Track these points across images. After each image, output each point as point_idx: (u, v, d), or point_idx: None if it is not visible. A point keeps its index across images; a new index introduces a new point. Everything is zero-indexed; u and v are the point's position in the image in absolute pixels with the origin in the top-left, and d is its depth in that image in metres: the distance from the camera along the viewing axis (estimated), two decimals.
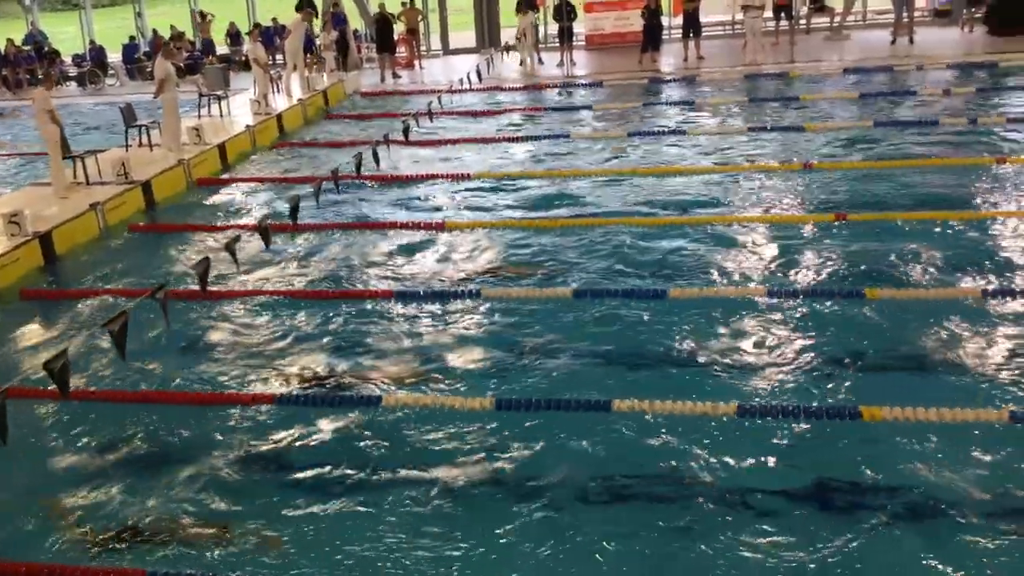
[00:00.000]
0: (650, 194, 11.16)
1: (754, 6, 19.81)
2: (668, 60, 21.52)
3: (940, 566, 4.54)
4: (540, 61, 22.57)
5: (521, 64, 22.13)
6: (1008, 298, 7.39)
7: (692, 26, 20.85)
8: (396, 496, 5.40)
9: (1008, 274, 7.96)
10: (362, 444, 5.98)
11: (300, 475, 5.71)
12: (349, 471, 5.69)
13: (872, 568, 4.57)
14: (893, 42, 20.57)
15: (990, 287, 7.65)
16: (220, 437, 6.17)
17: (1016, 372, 6.30)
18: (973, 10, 21.57)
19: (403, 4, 24.57)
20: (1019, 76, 16.69)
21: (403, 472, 5.64)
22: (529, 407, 6.15)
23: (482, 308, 7.98)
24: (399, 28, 24.13)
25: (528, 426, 6.02)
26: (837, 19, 22.91)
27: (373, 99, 20.27)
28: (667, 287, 8.00)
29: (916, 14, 21.64)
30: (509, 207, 11.18)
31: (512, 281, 8.59)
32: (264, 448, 6.04)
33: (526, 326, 7.57)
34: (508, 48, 23.75)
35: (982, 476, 5.23)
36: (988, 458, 5.38)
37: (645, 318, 7.53)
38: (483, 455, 5.77)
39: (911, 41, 20.39)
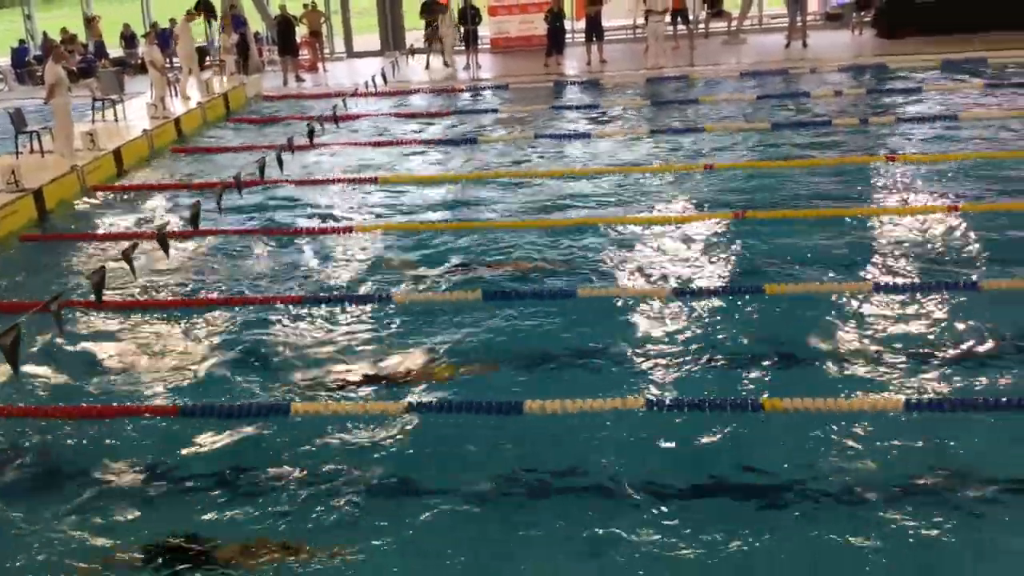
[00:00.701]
0: (557, 195, 11.27)
1: (657, 11, 20.21)
2: (572, 63, 21.76)
3: (842, 551, 4.69)
4: (449, 64, 22.45)
5: (446, 66, 21.99)
6: (898, 291, 7.69)
7: (595, 30, 21.15)
8: (307, 503, 5.31)
9: (898, 268, 8.31)
10: (271, 454, 5.85)
11: (205, 488, 5.55)
12: (258, 482, 5.57)
13: (780, 556, 4.70)
14: (787, 45, 21.25)
15: (881, 280, 7.95)
16: (117, 451, 5.96)
17: (908, 361, 6.57)
18: (863, 14, 22.44)
19: (305, 6, 24.24)
20: (906, 77, 17.43)
21: (312, 479, 5.55)
22: (442, 409, 6.13)
23: (392, 312, 7.92)
24: (301, 30, 23.79)
25: (442, 428, 5.99)
26: (734, 24, 23.53)
27: (276, 102, 19.93)
28: (576, 287, 8.08)
29: (809, 18, 22.41)
30: (417, 210, 11.14)
31: (422, 284, 8.55)
32: (166, 461, 5.86)
33: (437, 329, 7.54)
34: (413, 51, 23.67)
35: (880, 462, 5.43)
36: (885, 445, 5.59)
37: (555, 318, 7.59)
38: (396, 459, 5.73)
39: (804, 44, 21.09)
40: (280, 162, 11.83)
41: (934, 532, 4.79)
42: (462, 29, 22.45)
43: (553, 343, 7.18)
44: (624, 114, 16.12)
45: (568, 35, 24.06)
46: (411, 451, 5.83)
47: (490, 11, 24.72)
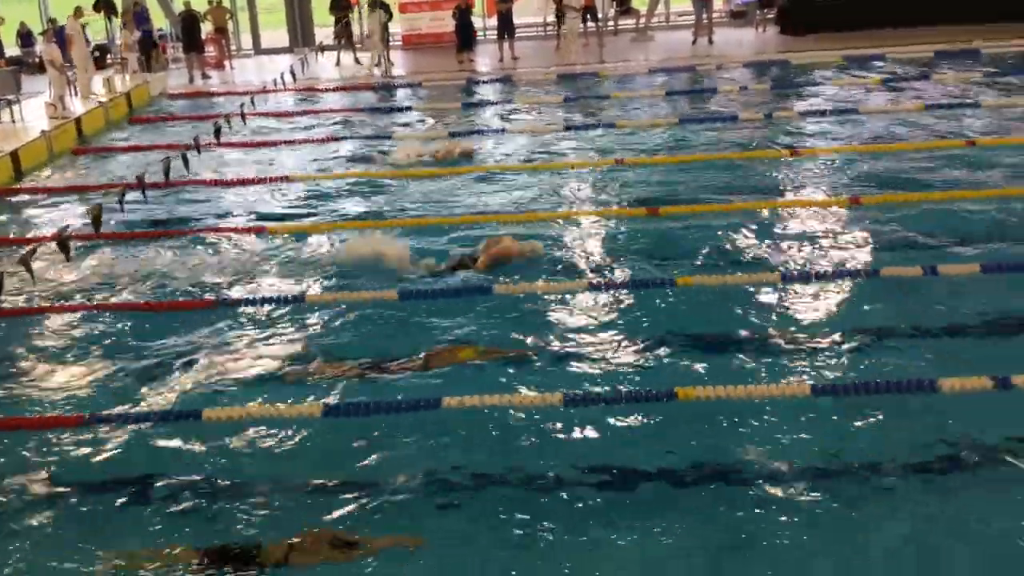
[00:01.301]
0: (472, 192, 11.27)
1: (573, 7, 20.41)
2: (484, 60, 21.79)
3: (756, 535, 4.81)
4: (381, 61, 21.92)
5: (378, 65, 21.67)
6: (803, 281, 7.92)
7: (506, 27, 21.22)
8: (223, 509, 5.20)
9: (803, 258, 8.56)
10: (183, 461, 5.71)
11: (117, 496, 5.39)
12: (172, 489, 5.42)
13: (695, 542, 4.80)
14: (694, 42, 21.68)
15: (787, 270, 8.18)
16: (18, 464, 5.73)
17: (814, 348, 6.77)
18: (766, 11, 23.02)
19: (210, 2, 23.67)
20: (808, 73, 17.94)
21: (227, 483, 5.44)
22: (359, 411, 6.06)
23: (306, 313, 7.80)
24: (207, 27, 23.23)
25: (360, 429, 5.93)
26: (642, 21, 23.88)
27: (181, 101, 19.42)
28: (492, 283, 8.09)
29: (714, 16, 22.89)
30: (331, 209, 10.99)
31: (337, 284, 8.45)
32: (74, 473, 5.66)
33: (351, 329, 7.46)
34: (323, 48, 23.35)
35: (788, 446, 5.59)
36: (793, 429, 5.76)
37: (470, 315, 7.58)
38: (312, 462, 5.65)
39: (711, 41, 21.55)
40: (186, 162, 11.53)
41: (841, 511, 4.96)
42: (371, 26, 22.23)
43: (470, 340, 7.16)
44: (537, 110, 16.20)
45: (480, 32, 24.11)
46: (326, 452, 5.76)
47: (401, 8, 24.56)
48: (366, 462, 5.63)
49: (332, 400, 6.26)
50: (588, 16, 22.38)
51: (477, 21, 24.58)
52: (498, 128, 14.65)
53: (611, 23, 24.27)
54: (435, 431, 5.86)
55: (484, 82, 19.40)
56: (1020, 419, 5.71)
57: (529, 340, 7.09)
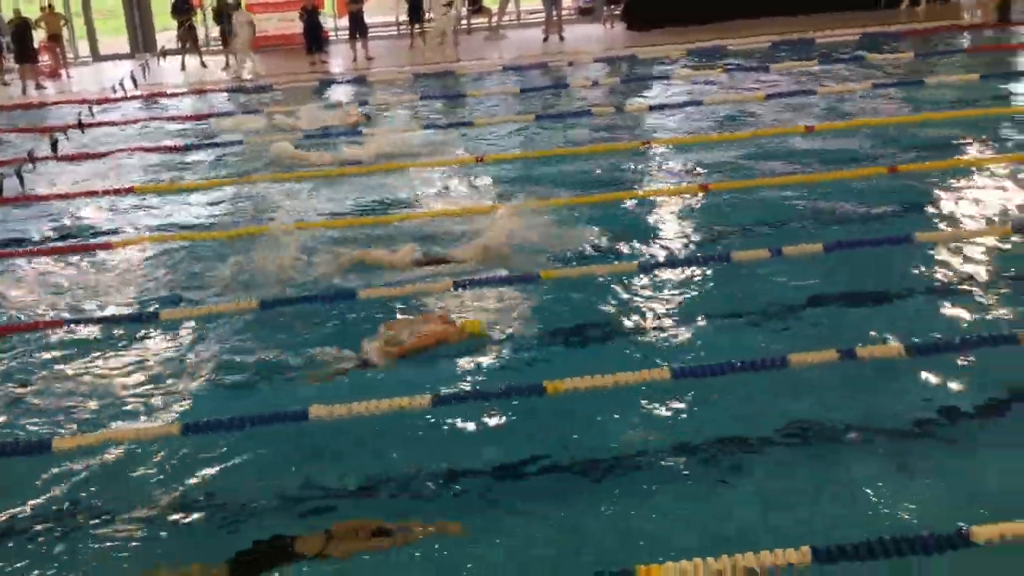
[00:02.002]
0: (329, 196, 11.09)
1: (443, 4, 20.44)
2: (337, 61, 21.49)
3: (626, 521, 4.94)
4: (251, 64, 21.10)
5: (203, 66, 20.84)
6: (660, 268, 8.16)
7: (358, 27, 21.00)
8: (75, 542, 4.94)
9: (660, 247, 8.82)
10: (29, 496, 5.39)
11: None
12: (17, 526, 5.11)
13: (571, 531, 4.88)
14: (545, 39, 22.01)
15: (645, 260, 8.41)
16: None
17: (671, 334, 6.99)
18: (612, 7, 23.57)
19: (42, 8, 22.38)
20: (655, 67, 18.49)
21: (81, 516, 5.17)
22: (220, 427, 5.86)
23: (161, 330, 7.50)
24: (39, 34, 21.96)
25: (221, 445, 5.75)
26: (494, 20, 24.06)
27: (13, 113, 18.30)
28: (356, 288, 7.98)
29: (564, 13, 23.29)
30: (179, 220, 10.60)
31: (191, 297, 8.15)
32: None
33: (209, 343, 7.22)
34: (165, 52, 22.49)
35: (654, 430, 5.76)
36: (657, 413, 5.94)
37: (334, 322, 7.46)
38: (173, 482, 5.44)
39: (561, 38, 21.93)
40: (20, 177, 10.88)
41: (705, 492, 5.15)
42: (219, 28, 21.59)
43: (334, 346, 7.04)
44: (394, 110, 16.08)
45: (332, 32, 23.76)
46: (185, 474, 5.57)
47: (247, 9, 23.88)
48: (227, 477, 5.46)
49: (192, 418, 6.03)
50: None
51: (328, 21, 24.22)
52: (354, 130, 14.45)
53: (464, 22, 24.34)
54: (301, 440, 5.76)
55: (338, 83, 19.12)
56: (865, 388, 6.06)
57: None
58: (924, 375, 6.23)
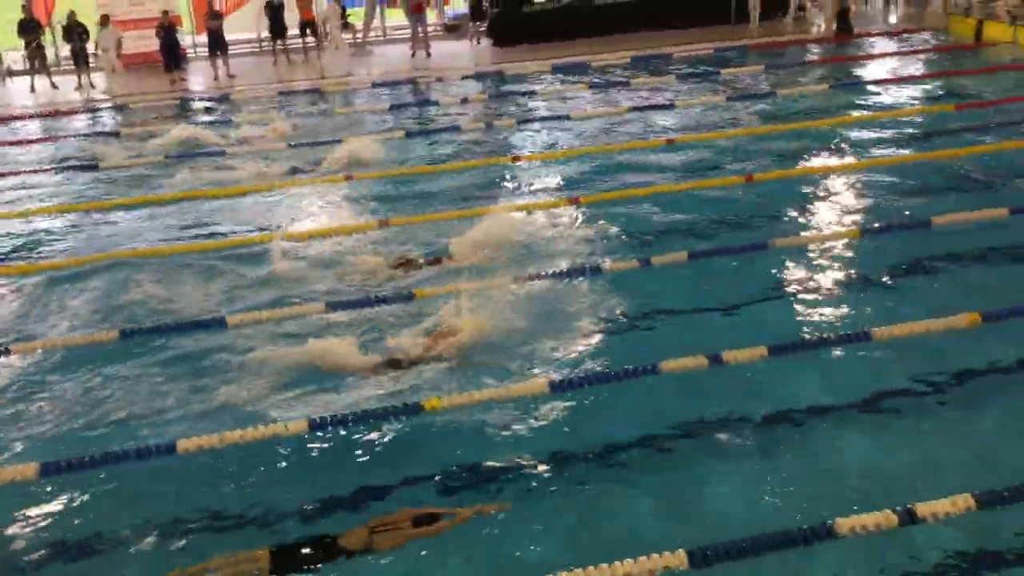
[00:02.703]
0: (195, 218, 10.75)
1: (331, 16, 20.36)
2: (198, 79, 20.90)
3: (514, 539, 4.97)
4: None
5: (54, 87, 19.79)
6: (534, 280, 8.24)
7: (218, 44, 20.50)
8: None
9: (533, 260, 8.91)
10: None
11: None
12: None
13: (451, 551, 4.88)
14: (412, 55, 22.01)
15: (520, 274, 8.48)
16: None
17: (552, 347, 7.07)
18: (478, 24, 23.79)
19: None
20: (522, 82, 18.74)
21: None
22: (83, 466, 5.59)
23: (15, 361, 7.10)
24: None
25: (88, 485, 5.51)
26: (359, 36, 23.90)
27: None
28: (223, 314, 7.76)
29: (429, 29, 23.35)
30: (32, 247, 10.07)
31: (51, 331, 7.76)
32: None
33: (68, 375, 6.88)
34: (12, 73, 21.37)
35: (534, 443, 5.82)
36: (537, 425, 6.01)
37: (202, 348, 7.24)
38: (31, 527, 5.17)
39: (428, 55, 21.97)
40: None
41: (583, 502, 5.23)
42: (70, 47, 20.66)
43: (202, 376, 6.83)
44: (259, 128, 15.70)
45: (191, 49, 23.13)
46: (44, 520, 5.32)
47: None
48: (88, 522, 5.22)
49: (52, 456, 5.73)
50: (308, 30, 22.12)
51: (187, 38, 23.54)
52: (217, 150, 14.07)
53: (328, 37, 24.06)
54: (169, 472, 5.56)
55: (199, 101, 18.58)
56: (733, 392, 6.29)
57: (263, 369, 6.85)
58: (786, 375, 6.51)
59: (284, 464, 5.72)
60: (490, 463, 5.63)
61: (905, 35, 21.37)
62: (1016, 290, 7.59)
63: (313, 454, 5.80)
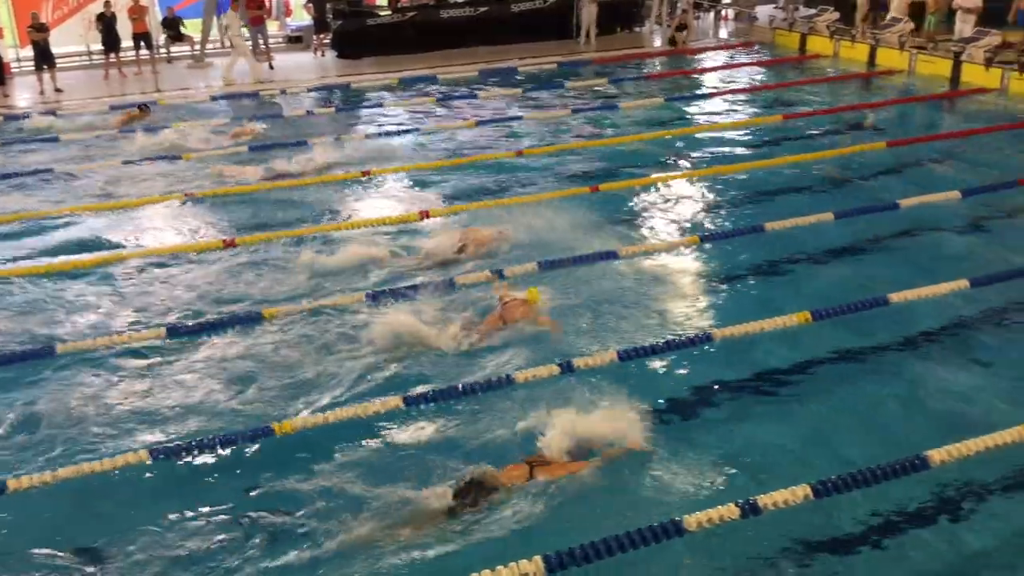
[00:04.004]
0: (36, 242, 10.13)
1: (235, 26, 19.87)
2: (23, 94, 19.69)
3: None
4: None
5: None
6: (388, 297, 8.18)
7: (44, 58, 19.37)
8: None
9: (383, 276, 8.86)
10: None
11: None
12: None
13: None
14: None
15: (375, 290, 8.40)
16: None
17: (401, 363, 7.03)
18: (322, 36, 23.43)
19: None
20: (370, 95, 18.55)
21: None
22: None
23: None
24: None
25: None
26: (196, 47, 23.11)
27: None
28: (53, 343, 7.34)
29: (271, 41, 22.83)
30: None
31: None
32: None
33: None
34: None
35: (386, 458, 5.83)
36: (392, 440, 6.02)
37: (37, 379, 6.83)
38: None
39: (271, 67, 21.46)
40: None
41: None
42: None
43: (36, 405, 6.44)
44: (92, 145, 14.92)
45: (14, 64, 21.79)
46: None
47: None
48: None
49: None
50: (142, 43, 21.18)
51: (9, 52, 22.14)
52: (44, 167, 13.27)
53: (163, 50, 23.15)
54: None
55: (23, 117, 17.47)
56: (583, 397, 6.44)
57: (102, 400, 6.53)
58: (635, 377, 6.72)
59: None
60: None
61: (735, 49, 22.48)
62: (842, 289, 8.09)
63: None
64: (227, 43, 22.42)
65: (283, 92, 19.02)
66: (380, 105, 17.36)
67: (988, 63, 16.70)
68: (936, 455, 5.51)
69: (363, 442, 5.99)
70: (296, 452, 5.84)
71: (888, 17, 19.57)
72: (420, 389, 6.52)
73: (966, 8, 17.92)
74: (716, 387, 6.65)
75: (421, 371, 6.88)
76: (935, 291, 7.88)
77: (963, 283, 8.01)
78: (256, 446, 5.91)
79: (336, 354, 7.18)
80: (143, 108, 16.28)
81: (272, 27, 24.42)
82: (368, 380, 6.76)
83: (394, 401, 6.31)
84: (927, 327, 7.55)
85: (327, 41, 23.26)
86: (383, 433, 6.10)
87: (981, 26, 17.60)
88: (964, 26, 17.93)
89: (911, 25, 19.07)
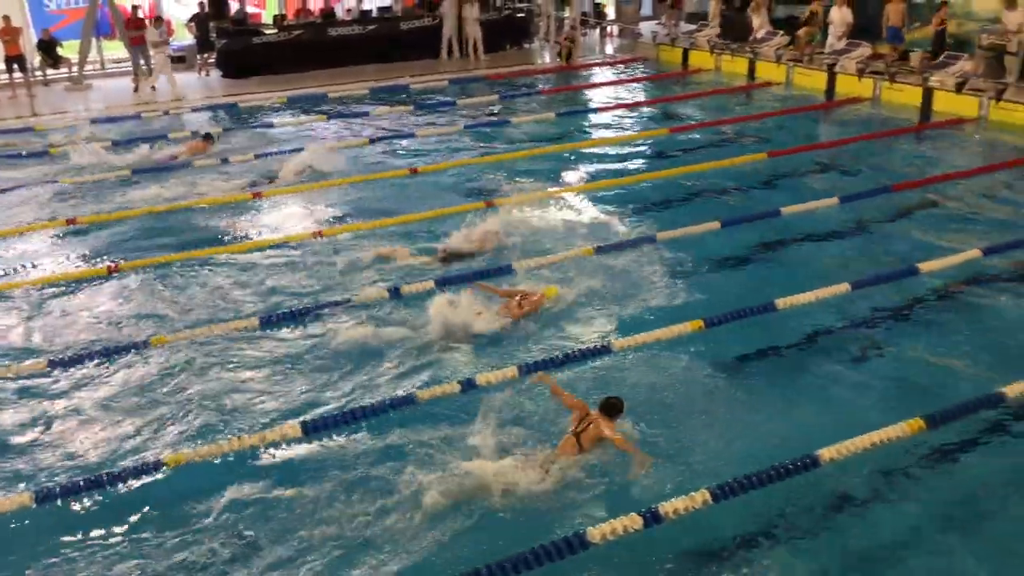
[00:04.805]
0: None
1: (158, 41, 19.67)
2: None
3: None
4: None
5: None
6: (283, 322, 8.04)
7: None
8: None
9: (279, 299, 8.70)
10: None
11: None
12: None
13: None
14: (136, 89, 20.79)
15: (265, 314, 8.23)
16: None
17: (305, 393, 6.92)
18: (206, 55, 22.90)
19: None
20: (257, 115, 18.16)
21: None
22: None
23: None
24: None
25: None
26: (74, 69, 22.26)
27: None
28: None
29: (153, 63, 22.19)
30: None
31: None
32: None
33: None
34: None
35: (283, 483, 5.73)
36: (288, 462, 5.93)
37: None
38: None
39: (153, 88, 20.84)
40: None
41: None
42: None
43: None
44: None
45: None
46: None
47: None
48: None
49: None
50: (15, 65, 20.28)
51: None
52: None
53: (39, 73, 22.22)
54: None
55: None
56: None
57: None
58: (532, 393, 6.76)
59: None
60: None
61: (622, 65, 22.95)
62: (732, 296, 8.33)
63: None
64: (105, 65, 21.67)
65: (167, 113, 18.48)
66: (270, 124, 17.02)
67: (860, 74, 17.53)
68: (826, 453, 5.71)
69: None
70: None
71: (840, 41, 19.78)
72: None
73: (838, 23, 18.80)
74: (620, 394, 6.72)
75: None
76: (819, 295, 8.19)
77: (844, 287, 8.35)
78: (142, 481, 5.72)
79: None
80: (208, 138, 14.99)
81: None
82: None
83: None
84: (813, 330, 7.84)
85: (212, 61, 22.77)
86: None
87: (853, 39, 18.47)
88: (835, 39, 18.80)
89: (786, 39, 19.87)
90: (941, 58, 16.68)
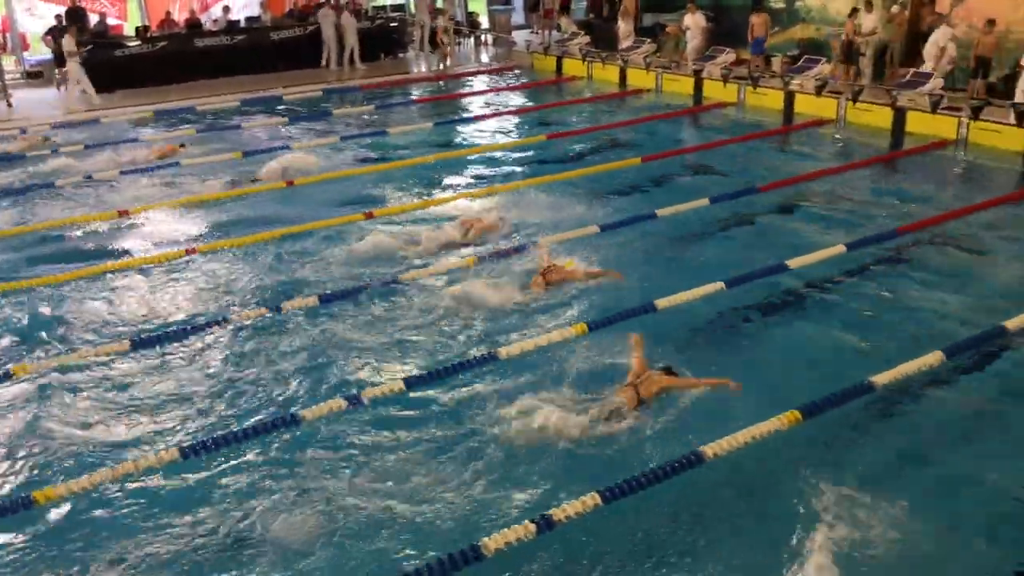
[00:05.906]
0: None
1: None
2: None
3: None
4: None
5: None
6: (154, 344, 7.76)
7: None
8: None
9: (146, 316, 8.40)
10: None
11: None
12: None
13: None
14: None
15: (142, 336, 7.93)
16: None
17: (184, 411, 6.70)
18: (63, 70, 21.86)
19: None
20: (122, 130, 17.39)
21: None
22: None
23: None
24: None
25: None
26: None
27: None
28: None
29: (8, 77, 21.12)
30: None
31: None
32: None
33: None
34: None
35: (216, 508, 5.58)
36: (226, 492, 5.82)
37: None
38: None
39: (10, 105, 19.82)
40: None
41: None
42: None
43: None
44: None
45: None
46: None
47: None
48: None
49: None
50: None
51: None
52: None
53: None
54: None
55: None
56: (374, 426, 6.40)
57: None
58: (422, 405, 6.74)
59: None
60: None
61: (497, 73, 23.13)
62: (612, 299, 8.49)
63: None
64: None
65: (24, 130, 17.51)
66: (135, 140, 16.35)
67: (725, 79, 18.19)
68: (708, 450, 5.88)
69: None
70: None
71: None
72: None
73: (694, 28, 19.53)
74: (497, 404, 6.74)
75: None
76: (695, 295, 8.43)
77: (719, 285, 8.62)
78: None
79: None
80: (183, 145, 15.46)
81: (8, 62, 22.61)
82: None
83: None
84: (691, 328, 8.07)
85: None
86: None
87: (719, 46, 19.15)
88: (692, 43, 19.52)
89: (654, 46, 20.44)
90: (800, 62, 17.50)
